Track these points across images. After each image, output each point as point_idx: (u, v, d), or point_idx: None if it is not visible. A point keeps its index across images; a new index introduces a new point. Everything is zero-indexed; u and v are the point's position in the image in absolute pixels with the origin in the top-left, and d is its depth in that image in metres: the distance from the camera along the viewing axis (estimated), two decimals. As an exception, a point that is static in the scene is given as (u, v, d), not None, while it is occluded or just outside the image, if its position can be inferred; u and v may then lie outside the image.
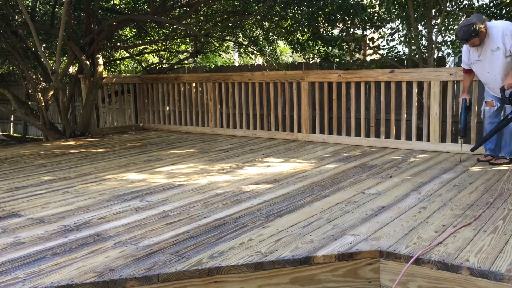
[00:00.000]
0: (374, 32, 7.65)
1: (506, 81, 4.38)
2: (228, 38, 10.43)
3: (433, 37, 6.65)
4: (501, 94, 4.42)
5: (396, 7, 7.16)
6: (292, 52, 9.79)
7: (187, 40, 10.46)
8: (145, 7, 9.30)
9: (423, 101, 5.86)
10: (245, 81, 7.31)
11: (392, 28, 7.17)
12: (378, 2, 7.67)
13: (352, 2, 7.51)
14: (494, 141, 4.81)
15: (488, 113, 4.76)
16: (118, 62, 11.52)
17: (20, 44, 8.69)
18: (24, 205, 3.68)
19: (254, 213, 3.32)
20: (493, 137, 4.74)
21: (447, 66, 7.14)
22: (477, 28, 4.31)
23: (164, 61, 10.80)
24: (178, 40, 10.59)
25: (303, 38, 8.37)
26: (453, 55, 6.81)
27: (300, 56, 9.07)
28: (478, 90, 5.41)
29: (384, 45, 7.37)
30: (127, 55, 10.73)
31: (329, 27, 8.01)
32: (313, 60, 8.57)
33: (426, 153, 5.47)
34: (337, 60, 7.71)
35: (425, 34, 6.84)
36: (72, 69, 10.51)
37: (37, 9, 9.28)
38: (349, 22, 7.50)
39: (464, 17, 6.65)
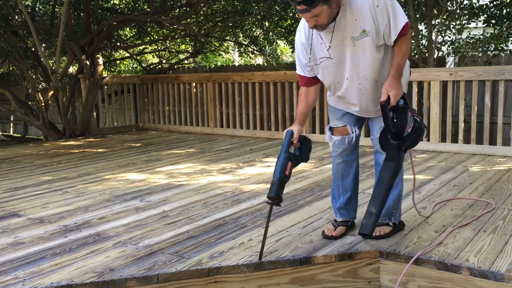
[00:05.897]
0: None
1: (388, 90, 2.43)
2: (228, 38, 10.43)
3: (433, 37, 6.64)
4: (382, 113, 2.47)
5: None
6: (292, 52, 9.79)
7: (187, 40, 10.47)
8: (145, 7, 9.31)
9: (423, 101, 5.85)
10: (245, 81, 7.31)
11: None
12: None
13: (352, 2, 7.50)
14: (347, 197, 2.91)
15: (340, 145, 2.92)
16: (118, 62, 11.52)
17: (20, 44, 8.69)
18: (24, 205, 3.68)
19: (254, 213, 3.32)
20: (346, 192, 2.91)
21: (447, 66, 7.13)
22: None
23: (164, 61, 10.80)
24: (178, 40, 10.60)
25: (303, 38, 8.35)
26: (453, 55, 6.80)
27: (300, 56, 9.05)
28: (479, 91, 5.40)
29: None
30: (127, 55, 10.73)
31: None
32: (313, 60, 8.55)
33: (426, 153, 5.46)
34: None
35: (425, 34, 6.83)
36: (72, 69, 10.51)
37: (37, 9, 9.28)
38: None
39: (466, 17, 6.64)
